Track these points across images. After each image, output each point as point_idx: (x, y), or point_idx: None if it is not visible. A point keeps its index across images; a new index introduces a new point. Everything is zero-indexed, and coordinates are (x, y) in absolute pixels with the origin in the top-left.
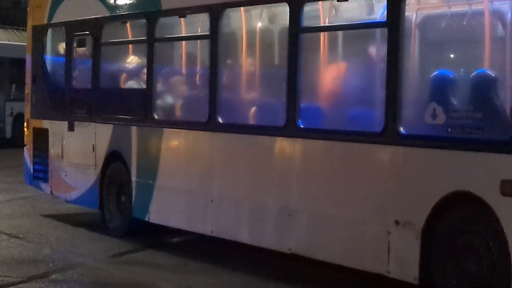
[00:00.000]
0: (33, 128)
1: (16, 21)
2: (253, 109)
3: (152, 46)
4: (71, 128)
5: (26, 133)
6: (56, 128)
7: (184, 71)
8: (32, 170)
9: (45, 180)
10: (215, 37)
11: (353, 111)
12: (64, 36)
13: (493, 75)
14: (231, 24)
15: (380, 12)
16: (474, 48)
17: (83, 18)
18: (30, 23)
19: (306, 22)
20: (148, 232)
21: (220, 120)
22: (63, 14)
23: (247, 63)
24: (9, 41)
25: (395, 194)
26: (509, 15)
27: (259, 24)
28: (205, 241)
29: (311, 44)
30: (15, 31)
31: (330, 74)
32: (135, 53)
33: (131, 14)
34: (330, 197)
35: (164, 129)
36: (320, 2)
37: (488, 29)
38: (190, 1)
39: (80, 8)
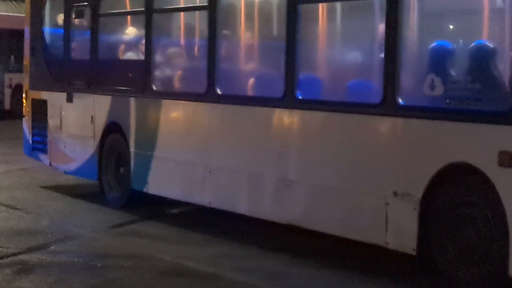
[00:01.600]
0: (32, 99)
1: None
2: (252, 81)
3: (151, 17)
4: (69, 99)
5: (24, 104)
6: (54, 99)
7: (182, 42)
8: (31, 142)
9: (44, 151)
10: (213, 8)
11: (351, 82)
12: (63, 7)
13: (492, 46)
14: None
15: None
16: (473, 19)
17: None
18: None
19: None
20: (147, 203)
21: (218, 91)
22: None
23: (245, 34)
24: (7, 12)
25: (393, 165)
26: None
27: None
28: (204, 212)
29: (310, 15)
30: (14, 2)
31: (328, 46)
32: (133, 24)
33: None
34: (328, 169)
35: (163, 100)
36: None
37: (487, 0)
38: None
39: None
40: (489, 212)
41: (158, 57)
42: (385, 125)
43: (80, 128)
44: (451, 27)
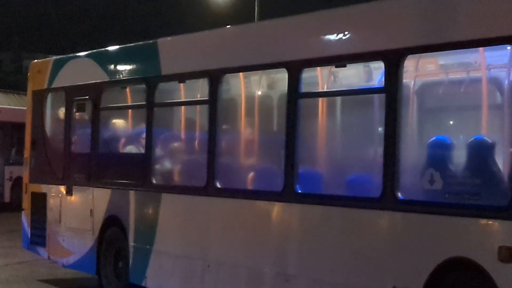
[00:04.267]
0: (32, 192)
1: (17, 85)
2: (251, 174)
3: (152, 111)
4: (69, 192)
5: (24, 197)
6: (54, 192)
7: (182, 136)
8: (30, 235)
9: (43, 244)
10: (214, 102)
11: (351, 176)
12: (64, 100)
13: (491, 141)
14: (230, 89)
15: (378, 78)
16: (472, 115)
17: (83, 83)
18: (30, 88)
19: (305, 88)
20: None
21: (218, 185)
22: (63, 79)
23: (245, 128)
24: (9, 105)
25: (392, 260)
26: (506, 82)
27: (258, 90)
28: None
29: (310, 110)
30: (16, 95)
31: (328, 140)
32: (134, 118)
33: (131, 79)
34: (327, 263)
35: (162, 194)
36: (318, 68)
37: (486, 96)
38: (189, 67)
39: (80, 73)
40: None
41: (158, 151)
42: (384, 219)
43: (79, 221)
44: (450, 122)
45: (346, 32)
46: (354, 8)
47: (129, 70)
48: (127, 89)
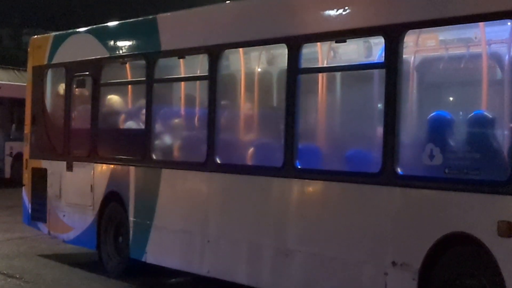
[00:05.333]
0: (32, 168)
1: (17, 61)
2: (251, 150)
3: (151, 86)
4: (69, 168)
5: (25, 173)
6: (54, 168)
7: (182, 111)
8: (30, 210)
9: (43, 220)
10: (213, 78)
11: (351, 152)
12: (64, 76)
13: (491, 116)
14: (229, 65)
15: (378, 54)
16: (472, 90)
17: (83, 59)
18: (30, 64)
19: (305, 64)
20: (145, 272)
21: (218, 160)
22: (63, 55)
23: (245, 104)
24: (9, 81)
25: (392, 235)
26: (506, 57)
27: (258, 65)
28: (202, 282)
29: (310, 86)
30: (16, 72)
31: (327, 116)
32: (134, 94)
33: (131, 55)
34: (327, 238)
35: (162, 169)
36: (318, 43)
37: (486, 72)
38: (189, 42)
39: (80, 49)
40: (488, 284)
41: (158, 127)
42: (384, 194)
43: (79, 197)
44: (450, 97)
45: (346, 7)
46: None
47: (129, 46)
48: (127, 65)
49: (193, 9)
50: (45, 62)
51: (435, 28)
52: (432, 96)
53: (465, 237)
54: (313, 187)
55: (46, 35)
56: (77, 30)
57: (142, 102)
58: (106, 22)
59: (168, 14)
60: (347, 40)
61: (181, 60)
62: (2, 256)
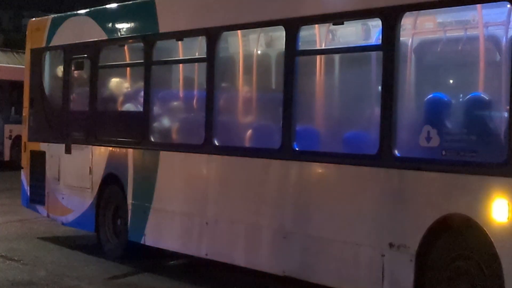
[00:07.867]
0: (30, 150)
1: (16, 44)
2: (249, 132)
3: (150, 69)
4: (68, 150)
5: (23, 155)
6: (53, 150)
7: (181, 94)
8: (29, 193)
9: (42, 202)
10: (212, 60)
11: (348, 134)
12: (62, 59)
13: (487, 98)
14: (228, 47)
15: (375, 36)
16: (469, 72)
17: (81, 41)
18: (28, 46)
19: (302, 46)
20: (144, 254)
21: (216, 142)
22: (61, 38)
23: (243, 86)
24: (8, 63)
25: (389, 217)
26: (503, 40)
27: (256, 47)
28: (201, 264)
29: (307, 68)
30: (15, 54)
31: (325, 98)
32: (132, 76)
33: (129, 38)
34: (325, 220)
35: (161, 151)
36: (316, 25)
37: (483, 54)
38: (187, 24)
39: (78, 31)
40: (484, 266)
41: (156, 109)
42: (381, 176)
43: (78, 179)
44: (447, 79)
45: None
46: None
47: (127, 28)
48: (125, 47)
49: None
50: (44, 45)
51: (433, 10)
52: (429, 78)
53: (462, 219)
54: (310, 169)
55: (44, 17)
56: (75, 12)
57: (141, 84)
58: (105, 5)
59: None
60: (345, 23)
61: (179, 42)
62: (1, 238)
